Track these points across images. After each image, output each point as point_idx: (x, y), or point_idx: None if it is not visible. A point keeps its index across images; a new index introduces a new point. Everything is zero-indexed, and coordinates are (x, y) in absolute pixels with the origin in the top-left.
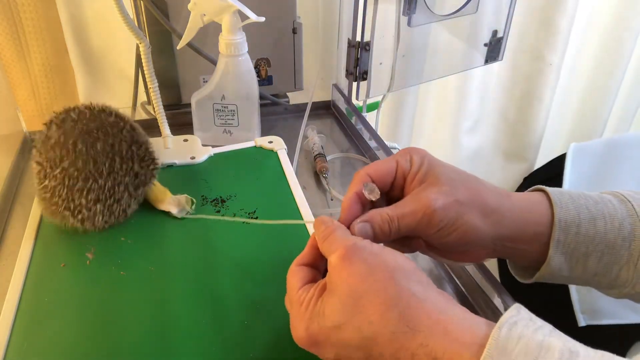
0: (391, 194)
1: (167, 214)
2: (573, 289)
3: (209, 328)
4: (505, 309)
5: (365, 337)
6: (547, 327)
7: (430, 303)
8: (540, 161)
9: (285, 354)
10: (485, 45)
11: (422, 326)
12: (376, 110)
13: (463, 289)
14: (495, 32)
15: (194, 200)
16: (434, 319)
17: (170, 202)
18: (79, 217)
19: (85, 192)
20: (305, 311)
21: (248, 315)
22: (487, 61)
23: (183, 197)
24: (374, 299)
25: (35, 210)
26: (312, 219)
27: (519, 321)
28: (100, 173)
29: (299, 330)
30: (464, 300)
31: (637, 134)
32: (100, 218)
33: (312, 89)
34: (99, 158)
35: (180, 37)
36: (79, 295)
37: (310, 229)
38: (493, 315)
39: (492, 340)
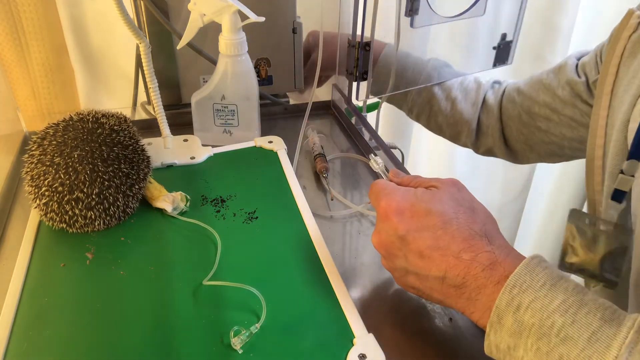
0: None
1: (167, 213)
2: None
3: (209, 327)
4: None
5: (446, 222)
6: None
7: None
8: None
9: (289, 349)
10: (494, 48)
11: (495, 242)
12: (376, 110)
13: None
14: (504, 36)
15: (189, 197)
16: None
17: (165, 200)
18: (77, 225)
19: (74, 203)
20: (410, 190)
21: (249, 313)
22: (495, 64)
23: (178, 195)
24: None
25: (35, 211)
26: (312, 218)
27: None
28: (83, 181)
29: (395, 200)
30: None
31: None
32: (100, 222)
33: (312, 88)
34: (79, 167)
35: (180, 37)
36: (79, 295)
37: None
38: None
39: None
